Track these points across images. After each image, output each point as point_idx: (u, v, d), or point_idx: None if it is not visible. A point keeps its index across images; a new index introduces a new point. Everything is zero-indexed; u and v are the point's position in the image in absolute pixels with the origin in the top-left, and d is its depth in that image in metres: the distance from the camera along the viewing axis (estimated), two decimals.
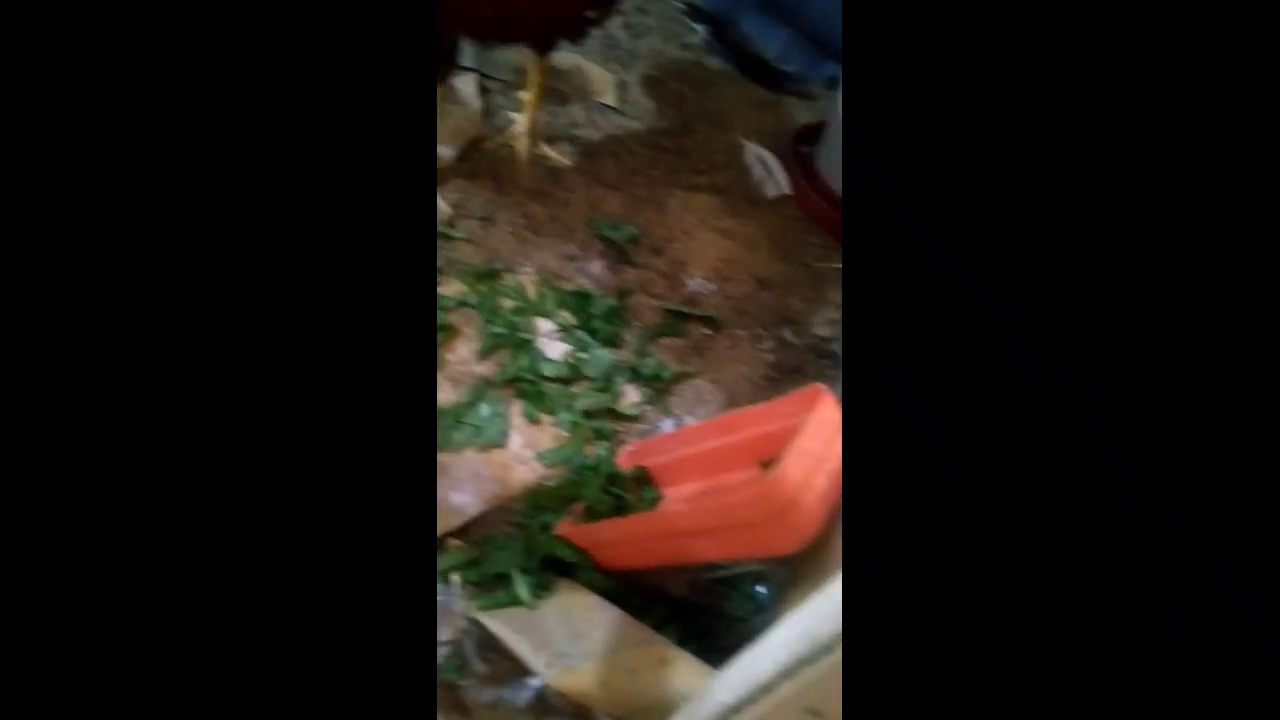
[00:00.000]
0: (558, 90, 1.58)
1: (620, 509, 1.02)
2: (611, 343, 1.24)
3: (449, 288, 1.25)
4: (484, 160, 1.43)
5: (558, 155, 1.46)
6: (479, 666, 0.89)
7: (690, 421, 1.18)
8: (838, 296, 1.39)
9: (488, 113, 1.51)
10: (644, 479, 1.06)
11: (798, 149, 1.58)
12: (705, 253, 1.41)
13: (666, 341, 1.28)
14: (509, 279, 1.28)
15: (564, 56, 1.62)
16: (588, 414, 1.15)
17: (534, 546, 0.95)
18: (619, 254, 1.36)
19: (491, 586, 0.94)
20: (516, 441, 1.11)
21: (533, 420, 1.13)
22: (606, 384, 1.19)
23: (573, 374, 1.19)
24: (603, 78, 1.65)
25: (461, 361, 1.18)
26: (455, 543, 0.98)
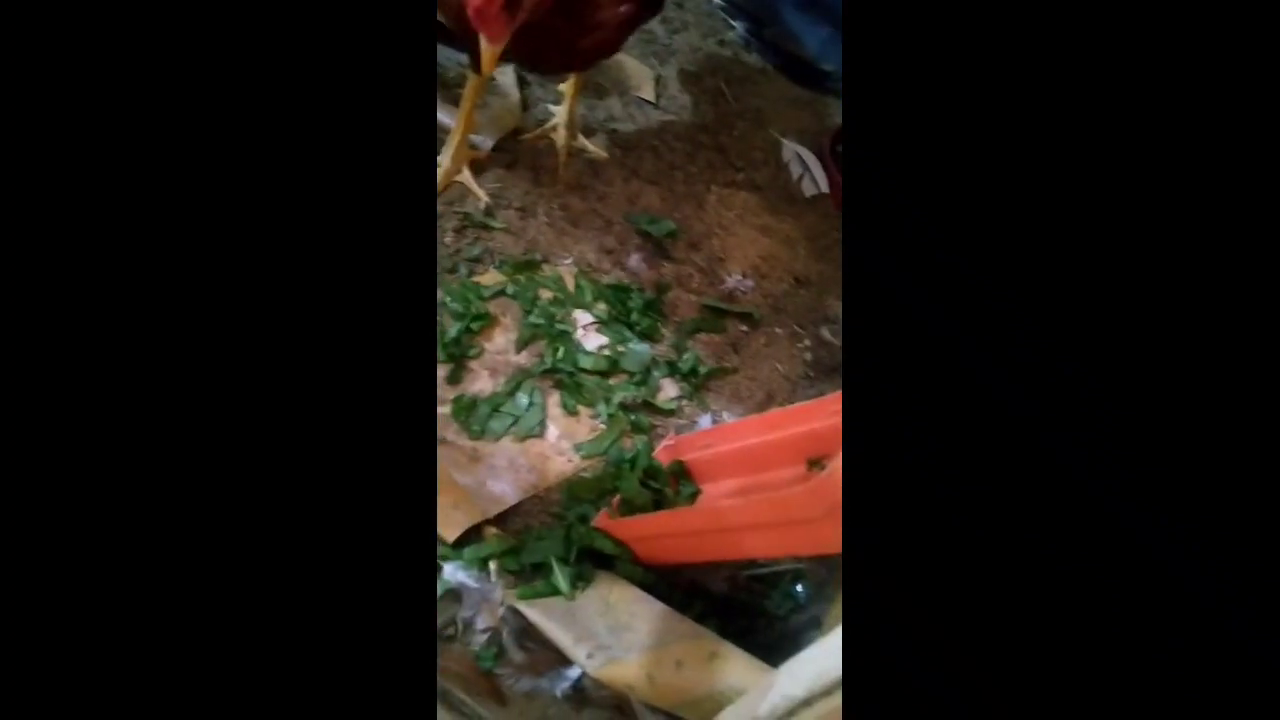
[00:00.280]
0: (596, 83, 1.58)
1: (658, 503, 1.01)
2: (649, 337, 1.24)
3: (487, 277, 1.24)
4: (523, 151, 1.43)
5: (596, 148, 1.46)
6: (517, 655, 0.89)
7: (728, 418, 1.17)
8: None
9: (526, 104, 1.51)
10: (682, 473, 1.06)
11: (835, 148, 1.57)
12: (743, 249, 1.40)
13: (704, 337, 1.27)
14: (547, 270, 1.28)
15: None
16: (625, 407, 1.15)
17: (573, 537, 0.95)
18: (657, 248, 1.36)
19: (530, 576, 0.94)
20: (553, 433, 1.11)
21: (570, 412, 1.13)
22: (644, 378, 1.19)
23: (610, 367, 1.19)
24: (641, 72, 1.65)
25: (500, 351, 1.17)
26: (493, 531, 0.98)
